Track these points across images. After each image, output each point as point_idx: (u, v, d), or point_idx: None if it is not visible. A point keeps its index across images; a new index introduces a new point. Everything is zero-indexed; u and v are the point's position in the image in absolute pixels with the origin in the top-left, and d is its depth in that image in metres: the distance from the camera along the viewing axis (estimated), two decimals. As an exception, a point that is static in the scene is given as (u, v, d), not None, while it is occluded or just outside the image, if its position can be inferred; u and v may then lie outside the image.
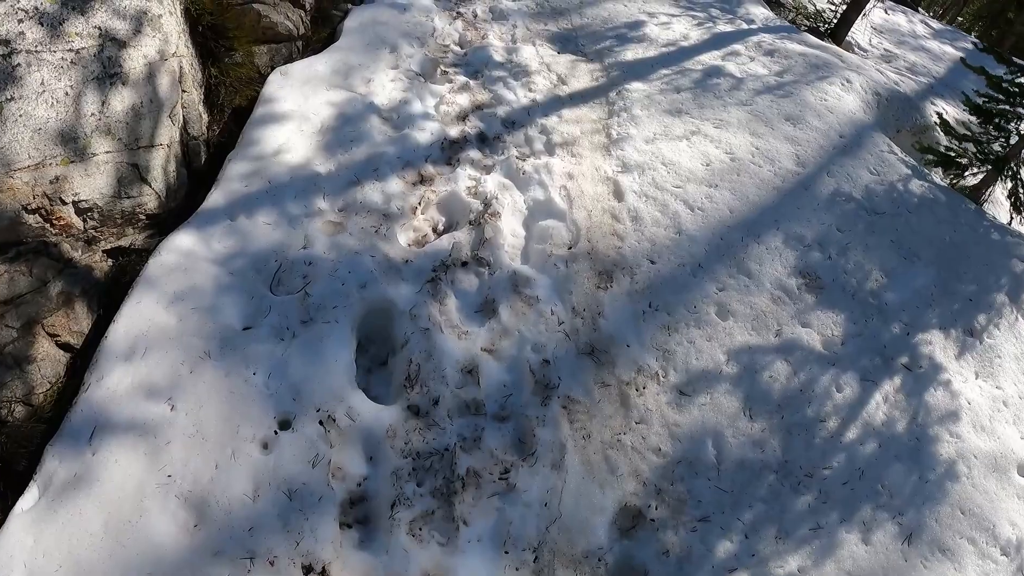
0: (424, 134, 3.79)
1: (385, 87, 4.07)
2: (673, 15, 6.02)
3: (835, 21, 7.72)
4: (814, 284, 3.37)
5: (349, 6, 5.02)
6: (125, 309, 2.52)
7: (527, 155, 3.85)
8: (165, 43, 3.01)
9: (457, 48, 4.91)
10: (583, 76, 4.79)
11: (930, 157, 4.97)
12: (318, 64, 4.05)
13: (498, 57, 4.76)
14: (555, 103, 4.37)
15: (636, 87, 4.64)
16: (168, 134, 3.04)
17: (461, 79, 4.46)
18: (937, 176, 5.04)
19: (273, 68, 4.08)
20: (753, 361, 3.00)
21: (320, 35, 4.66)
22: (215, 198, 3.05)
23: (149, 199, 2.93)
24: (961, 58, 5.95)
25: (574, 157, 3.86)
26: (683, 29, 5.74)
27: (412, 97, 4.07)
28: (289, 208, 3.11)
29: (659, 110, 4.40)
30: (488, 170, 3.71)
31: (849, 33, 7.58)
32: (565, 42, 5.31)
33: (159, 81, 2.95)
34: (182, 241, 2.82)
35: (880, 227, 3.83)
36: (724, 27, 6.00)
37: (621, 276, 3.15)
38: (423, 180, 3.54)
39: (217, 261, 2.80)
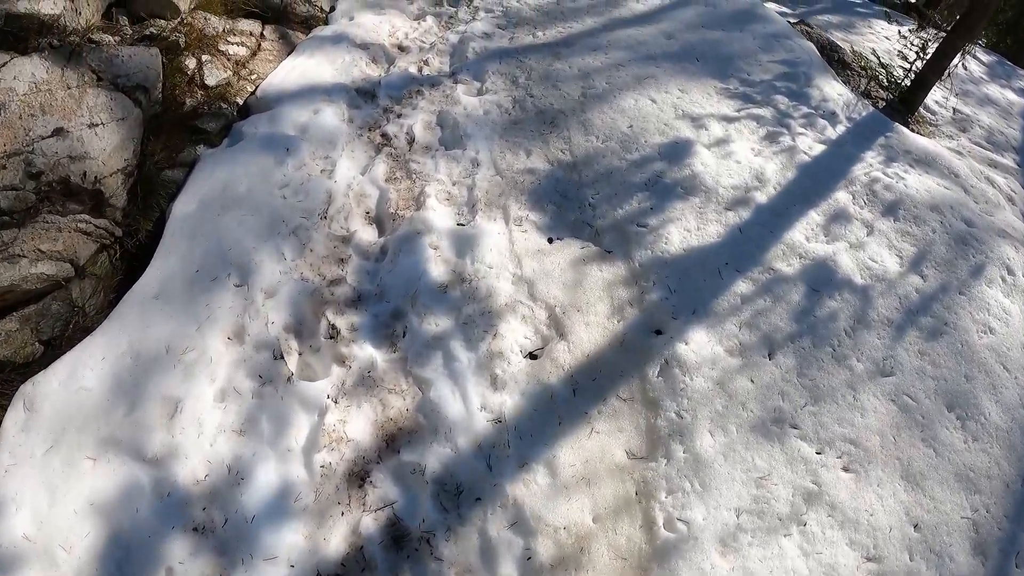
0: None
1: (204, 422, 1.85)
2: (728, 118, 3.78)
3: (907, 83, 5.63)
4: None
5: (200, 150, 2.69)
6: None
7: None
8: None
9: (368, 238, 2.64)
10: (597, 306, 2.60)
11: None
12: (86, 370, 1.85)
13: (437, 271, 2.54)
14: (544, 418, 2.19)
15: (697, 346, 2.47)
16: None
17: (363, 354, 2.24)
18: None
19: (43, 345, 1.91)
20: None
21: (140, 231, 2.39)
22: None
23: None
24: None
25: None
26: (749, 152, 3.53)
27: (256, 446, 1.88)
28: None
29: (743, 427, 2.27)
30: None
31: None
32: (562, 201, 3.06)
33: None
34: None
35: None
36: (803, 135, 3.81)
37: None
38: None
39: None
